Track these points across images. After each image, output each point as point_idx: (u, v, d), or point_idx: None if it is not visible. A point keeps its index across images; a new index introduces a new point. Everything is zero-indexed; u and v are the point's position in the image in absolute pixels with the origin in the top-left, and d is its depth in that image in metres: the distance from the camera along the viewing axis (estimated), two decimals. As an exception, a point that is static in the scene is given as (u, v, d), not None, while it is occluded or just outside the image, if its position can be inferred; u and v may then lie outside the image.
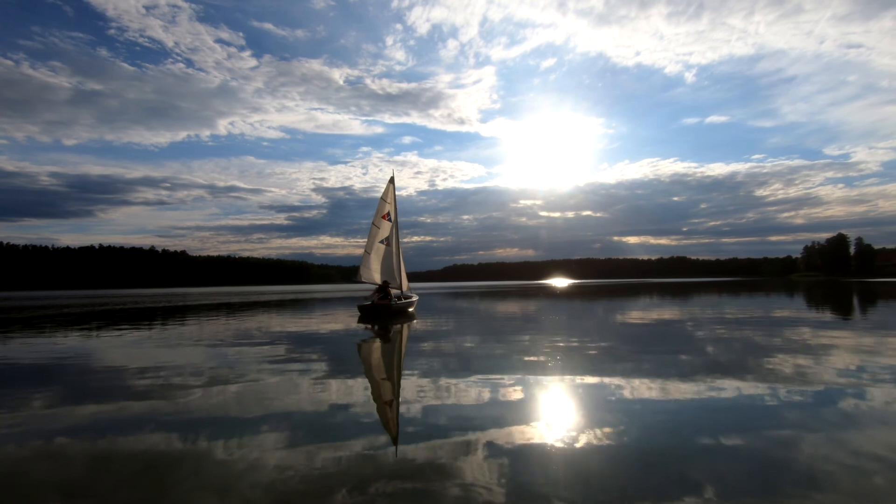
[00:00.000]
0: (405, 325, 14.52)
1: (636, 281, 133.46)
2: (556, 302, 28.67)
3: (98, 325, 16.42)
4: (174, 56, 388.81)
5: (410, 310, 19.70)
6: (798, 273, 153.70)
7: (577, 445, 3.88)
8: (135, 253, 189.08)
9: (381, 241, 19.40)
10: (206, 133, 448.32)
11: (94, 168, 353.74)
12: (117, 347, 10.60)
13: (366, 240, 19.05)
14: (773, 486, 3.04)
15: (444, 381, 6.41)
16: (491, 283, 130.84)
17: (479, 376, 6.72)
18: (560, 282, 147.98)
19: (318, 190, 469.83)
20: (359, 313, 17.92)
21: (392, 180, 19.63)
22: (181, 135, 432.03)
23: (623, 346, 9.58)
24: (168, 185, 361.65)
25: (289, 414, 4.98)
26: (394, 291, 19.18)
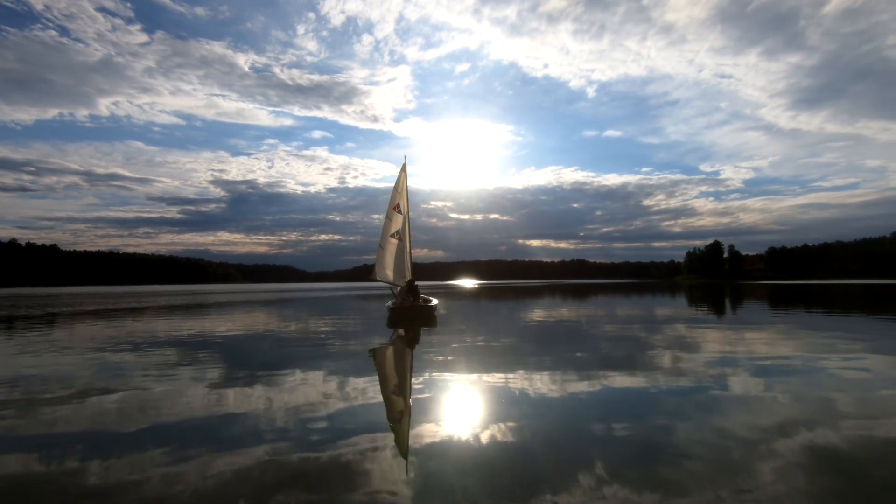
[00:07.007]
0: (426, 330, 12.86)
1: (540, 282, 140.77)
2: (464, 303, 29.36)
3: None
4: (44, 21, 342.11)
5: (434, 313, 17.19)
6: (682, 276, 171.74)
7: (484, 439, 4.03)
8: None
9: (392, 236, 17.82)
10: (82, 112, 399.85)
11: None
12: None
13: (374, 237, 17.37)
14: (654, 465, 3.45)
15: (352, 382, 6.30)
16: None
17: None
18: (468, 282, 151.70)
19: (216, 182, 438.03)
20: (388, 315, 16.31)
21: (404, 168, 18.13)
22: (51, 112, 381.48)
23: (526, 344, 10.08)
24: (33, 168, 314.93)
25: (178, 424, 4.60)
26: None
